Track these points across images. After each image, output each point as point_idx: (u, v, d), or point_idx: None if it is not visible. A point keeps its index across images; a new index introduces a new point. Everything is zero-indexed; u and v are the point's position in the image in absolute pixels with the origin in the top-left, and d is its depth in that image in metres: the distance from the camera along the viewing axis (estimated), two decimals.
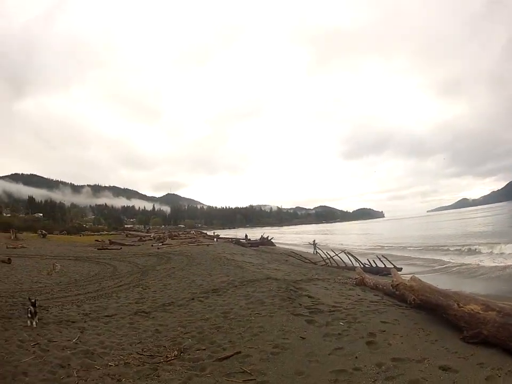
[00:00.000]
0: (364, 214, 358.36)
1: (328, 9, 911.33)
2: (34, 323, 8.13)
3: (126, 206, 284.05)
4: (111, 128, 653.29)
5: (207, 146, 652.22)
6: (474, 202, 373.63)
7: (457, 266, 22.64)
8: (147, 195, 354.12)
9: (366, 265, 21.52)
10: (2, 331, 7.53)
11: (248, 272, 15.96)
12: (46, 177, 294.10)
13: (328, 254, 26.06)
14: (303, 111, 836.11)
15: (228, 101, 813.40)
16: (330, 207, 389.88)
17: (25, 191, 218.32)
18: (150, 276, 17.17)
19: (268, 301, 9.92)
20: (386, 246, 41.33)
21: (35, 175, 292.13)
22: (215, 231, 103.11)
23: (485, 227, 59.54)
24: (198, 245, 40.32)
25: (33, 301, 8.45)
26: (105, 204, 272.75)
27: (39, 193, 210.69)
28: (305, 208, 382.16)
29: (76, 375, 5.58)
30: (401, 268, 19.34)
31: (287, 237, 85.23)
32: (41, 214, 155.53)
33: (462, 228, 64.27)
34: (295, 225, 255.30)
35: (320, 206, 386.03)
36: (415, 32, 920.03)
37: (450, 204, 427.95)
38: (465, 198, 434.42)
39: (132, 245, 48.14)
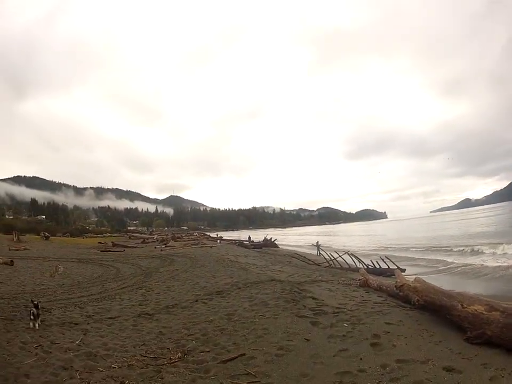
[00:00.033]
0: (367, 215, 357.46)
1: (329, 10, 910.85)
2: (36, 325, 8.12)
3: (129, 208, 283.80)
4: (114, 130, 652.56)
5: (210, 148, 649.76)
6: (477, 203, 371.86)
7: (461, 266, 22.51)
8: (150, 197, 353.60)
9: (370, 267, 21.44)
10: (5, 333, 7.51)
11: (251, 274, 15.94)
12: (48, 179, 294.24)
13: (331, 255, 25.98)
14: (306, 111, 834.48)
15: (230, 102, 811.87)
16: (333, 208, 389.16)
17: (27, 193, 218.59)
18: (153, 277, 17.14)
19: (272, 303, 9.91)
20: (390, 247, 41.14)
21: (37, 178, 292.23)
22: (218, 233, 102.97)
23: (487, 227, 59.33)
24: (202, 247, 40.25)
25: (35, 302, 8.44)
26: (108, 206, 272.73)
27: (41, 196, 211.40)
28: (308, 210, 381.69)
29: (78, 377, 5.57)
30: (405, 269, 19.23)
31: (290, 238, 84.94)
32: (44, 216, 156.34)
33: (465, 228, 64.03)
34: (298, 226, 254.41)
35: (323, 207, 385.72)
36: (415, 32, 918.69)
37: (453, 204, 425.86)
38: (468, 198, 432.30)
39: (135, 247, 48.19)
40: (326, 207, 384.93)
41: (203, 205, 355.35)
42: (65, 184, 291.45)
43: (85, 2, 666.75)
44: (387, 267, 20.46)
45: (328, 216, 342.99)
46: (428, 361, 5.46)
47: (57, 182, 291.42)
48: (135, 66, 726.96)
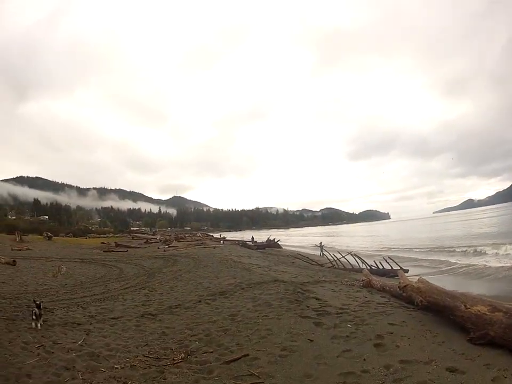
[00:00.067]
0: (370, 216, 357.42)
1: (331, 11, 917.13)
2: (39, 325, 8.11)
3: (132, 208, 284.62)
4: (117, 131, 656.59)
5: (212, 149, 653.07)
6: (480, 203, 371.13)
7: (464, 267, 22.50)
8: (153, 198, 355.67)
9: (373, 267, 21.40)
10: (7, 333, 7.52)
11: (255, 275, 15.91)
12: (51, 180, 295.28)
13: (334, 256, 25.97)
14: (308, 112, 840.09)
15: (234, 103, 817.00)
16: (337, 209, 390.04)
17: (30, 193, 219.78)
18: (156, 278, 17.12)
19: (276, 303, 9.89)
20: (393, 248, 41.16)
21: (40, 178, 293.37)
22: (221, 233, 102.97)
23: (490, 228, 59.28)
24: (205, 247, 40.19)
25: (38, 302, 8.45)
26: (111, 206, 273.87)
27: (44, 196, 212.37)
28: (312, 210, 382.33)
29: (80, 377, 5.57)
30: (408, 270, 19.20)
31: (293, 239, 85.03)
32: (47, 217, 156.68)
33: (468, 229, 63.99)
34: (301, 227, 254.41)
35: (326, 208, 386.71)
36: (416, 32, 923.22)
37: (456, 205, 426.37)
38: (471, 199, 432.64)
39: (138, 247, 48.25)
40: (329, 208, 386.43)
41: (206, 205, 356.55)
42: (68, 184, 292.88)
43: (86, 3, 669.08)
44: (390, 268, 20.44)
45: (331, 216, 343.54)
46: (431, 362, 5.43)
47: (60, 182, 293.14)
48: (137, 67, 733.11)
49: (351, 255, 25.34)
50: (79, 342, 7.20)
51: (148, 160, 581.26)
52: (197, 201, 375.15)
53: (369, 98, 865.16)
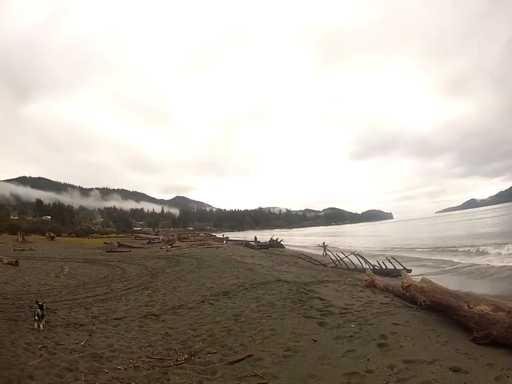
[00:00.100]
0: (373, 216, 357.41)
1: (331, 11, 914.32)
2: (41, 326, 8.11)
3: (134, 208, 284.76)
4: (119, 131, 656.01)
5: (215, 149, 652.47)
6: (482, 203, 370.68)
7: (467, 267, 22.46)
8: (156, 198, 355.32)
9: (376, 267, 21.39)
10: (9, 333, 7.52)
11: (258, 275, 15.91)
12: (54, 180, 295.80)
13: (337, 256, 25.94)
14: (311, 112, 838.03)
15: (236, 103, 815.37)
16: (339, 209, 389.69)
17: (33, 194, 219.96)
18: (159, 278, 17.11)
19: (279, 304, 9.88)
20: (396, 248, 41.04)
21: (43, 178, 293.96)
22: (224, 233, 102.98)
23: (492, 228, 59.22)
24: (208, 247, 40.19)
25: (40, 303, 8.45)
26: (114, 206, 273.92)
27: (47, 196, 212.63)
28: (314, 210, 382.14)
29: (83, 378, 5.57)
30: (411, 270, 19.18)
31: (296, 239, 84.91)
32: (50, 217, 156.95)
33: (470, 228, 63.88)
34: (304, 227, 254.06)
35: (329, 208, 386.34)
36: (416, 32, 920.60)
37: (458, 205, 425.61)
38: (473, 199, 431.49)
39: (141, 248, 48.24)
40: (331, 208, 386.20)
41: (209, 205, 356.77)
42: (70, 184, 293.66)
43: (88, 4, 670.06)
44: (393, 267, 20.40)
45: (334, 216, 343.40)
46: (434, 362, 5.45)
47: (62, 182, 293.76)
48: (139, 67, 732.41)
49: (354, 255, 25.36)
50: (82, 343, 7.19)
51: (150, 161, 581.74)
52: (199, 201, 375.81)
53: (371, 98, 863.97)
